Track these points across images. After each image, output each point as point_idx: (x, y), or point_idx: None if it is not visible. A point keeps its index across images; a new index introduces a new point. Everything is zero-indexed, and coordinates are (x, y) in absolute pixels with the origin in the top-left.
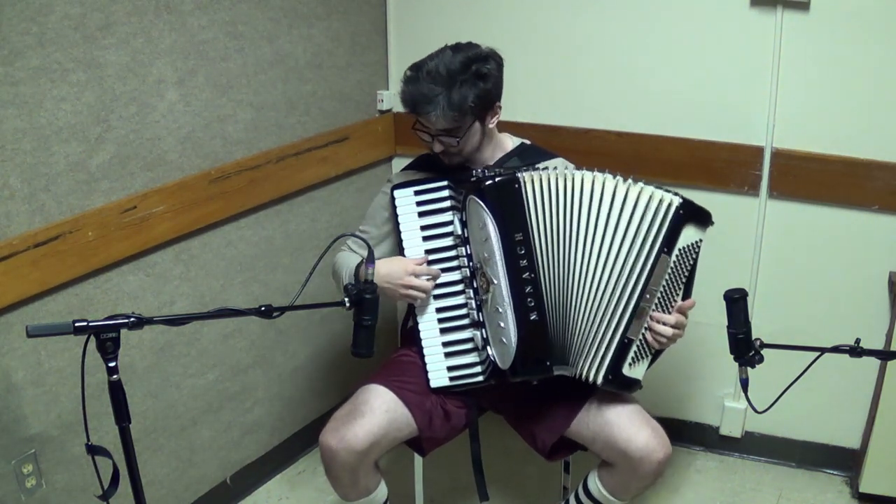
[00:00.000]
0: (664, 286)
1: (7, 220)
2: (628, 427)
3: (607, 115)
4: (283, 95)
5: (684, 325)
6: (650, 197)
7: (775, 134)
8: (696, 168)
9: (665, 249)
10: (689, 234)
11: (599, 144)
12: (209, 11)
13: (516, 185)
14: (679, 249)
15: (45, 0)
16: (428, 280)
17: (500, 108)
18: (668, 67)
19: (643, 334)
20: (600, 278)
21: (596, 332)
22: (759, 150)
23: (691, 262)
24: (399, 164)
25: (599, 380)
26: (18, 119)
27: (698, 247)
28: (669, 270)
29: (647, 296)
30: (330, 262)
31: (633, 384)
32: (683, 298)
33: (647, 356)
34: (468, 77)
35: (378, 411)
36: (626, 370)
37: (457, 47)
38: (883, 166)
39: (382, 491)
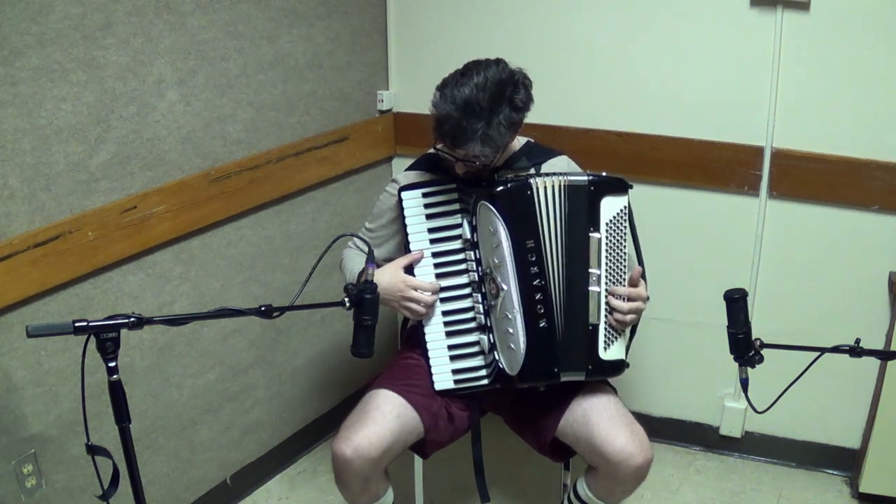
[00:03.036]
0: (608, 263)
1: (7, 220)
2: (608, 429)
3: (607, 115)
4: (283, 95)
5: (640, 295)
6: (562, 186)
7: (775, 134)
8: (696, 168)
9: (591, 228)
10: (610, 206)
11: (599, 144)
12: (209, 11)
13: (528, 192)
14: (606, 224)
15: (45, 0)
16: (429, 295)
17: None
18: (669, 67)
19: (605, 316)
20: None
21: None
22: (759, 150)
23: (624, 232)
24: (399, 163)
25: (582, 375)
26: (18, 119)
27: (625, 214)
28: (606, 246)
29: (594, 277)
30: (330, 263)
31: (618, 366)
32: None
33: (619, 335)
34: (504, 107)
35: (389, 416)
36: (603, 355)
37: (486, 65)
38: (883, 166)
39: (390, 496)
